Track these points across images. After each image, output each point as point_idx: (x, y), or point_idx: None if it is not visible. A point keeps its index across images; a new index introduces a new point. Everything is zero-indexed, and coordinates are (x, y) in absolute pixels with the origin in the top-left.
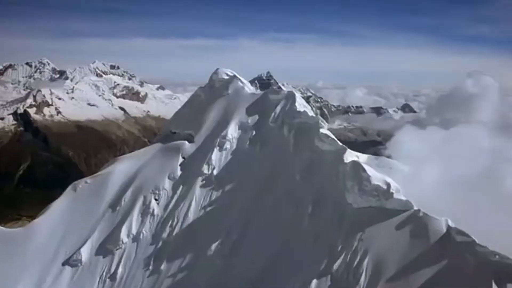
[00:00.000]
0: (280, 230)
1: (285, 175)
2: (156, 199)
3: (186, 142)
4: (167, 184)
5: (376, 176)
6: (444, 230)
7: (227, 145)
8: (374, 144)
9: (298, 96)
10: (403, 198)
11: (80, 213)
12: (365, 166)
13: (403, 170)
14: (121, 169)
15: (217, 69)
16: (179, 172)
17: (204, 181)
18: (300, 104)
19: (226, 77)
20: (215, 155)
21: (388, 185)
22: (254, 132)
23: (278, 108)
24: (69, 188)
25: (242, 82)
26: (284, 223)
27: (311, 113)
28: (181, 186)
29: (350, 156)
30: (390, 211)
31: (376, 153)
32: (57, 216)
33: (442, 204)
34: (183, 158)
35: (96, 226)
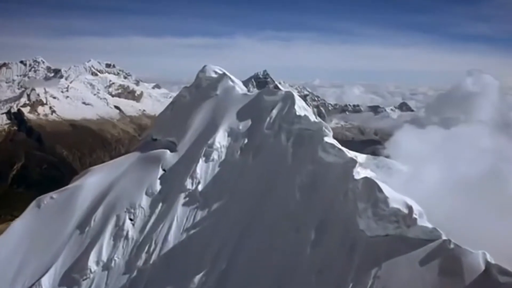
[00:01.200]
0: (276, 259)
1: (282, 193)
2: (131, 219)
3: (168, 151)
4: (144, 201)
5: (395, 197)
6: (482, 266)
7: (215, 155)
8: (372, 143)
9: (297, 97)
10: (428, 225)
11: (43, 235)
12: (381, 184)
13: (403, 170)
14: (92, 182)
15: (205, 66)
16: (158, 187)
17: (187, 198)
18: (300, 107)
19: (214, 75)
20: (201, 167)
21: (410, 208)
22: (246, 140)
23: (275, 112)
24: (32, 205)
25: (232, 81)
26: (281, 251)
27: (313, 118)
28: (160, 204)
29: (362, 170)
30: (412, 241)
31: (374, 153)
32: (16, 239)
33: (444, 206)
34: (164, 170)
35: (61, 251)
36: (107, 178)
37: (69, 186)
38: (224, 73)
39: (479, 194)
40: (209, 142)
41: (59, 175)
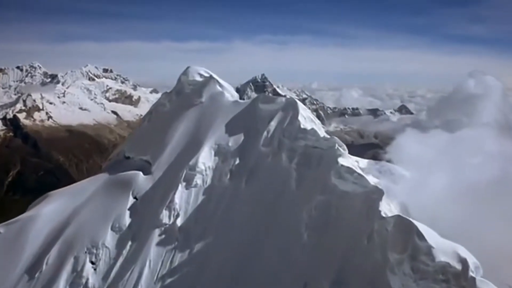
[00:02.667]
0: None
1: (285, 232)
2: (92, 262)
3: (141, 174)
4: (110, 238)
5: (442, 245)
6: None
7: (198, 180)
8: (372, 147)
9: (301, 105)
10: (491, 285)
11: None
12: (420, 226)
13: (406, 176)
14: (47, 212)
15: (188, 67)
16: (127, 221)
17: (163, 236)
18: (306, 118)
19: (199, 78)
20: (180, 195)
21: (465, 262)
22: (237, 160)
23: (273, 124)
24: None
25: (221, 85)
26: None
27: (322, 132)
28: (129, 243)
29: (390, 205)
30: None
31: (375, 157)
32: None
33: (452, 214)
34: (135, 198)
35: None
36: (66, 207)
37: (20, 216)
38: (210, 76)
39: (489, 201)
40: (191, 162)
41: (55, 181)
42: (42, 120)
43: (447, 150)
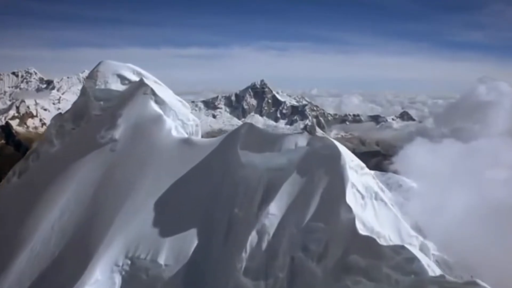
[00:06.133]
0: None
1: None
2: None
3: None
4: None
5: None
6: None
7: None
8: (374, 155)
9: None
10: None
11: None
12: None
13: (415, 189)
14: None
15: (100, 63)
16: None
17: None
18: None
19: (118, 84)
20: None
21: None
22: None
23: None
24: None
25: (159, 100)
26: None
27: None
28: None
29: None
30: None
31: (379, 166)
32: None
33: (472, 238)
34: None
35: None
36: None
37: None
38: (141, 81)
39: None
40: None
41: None
42: (35, 127)
43: (462, 162)
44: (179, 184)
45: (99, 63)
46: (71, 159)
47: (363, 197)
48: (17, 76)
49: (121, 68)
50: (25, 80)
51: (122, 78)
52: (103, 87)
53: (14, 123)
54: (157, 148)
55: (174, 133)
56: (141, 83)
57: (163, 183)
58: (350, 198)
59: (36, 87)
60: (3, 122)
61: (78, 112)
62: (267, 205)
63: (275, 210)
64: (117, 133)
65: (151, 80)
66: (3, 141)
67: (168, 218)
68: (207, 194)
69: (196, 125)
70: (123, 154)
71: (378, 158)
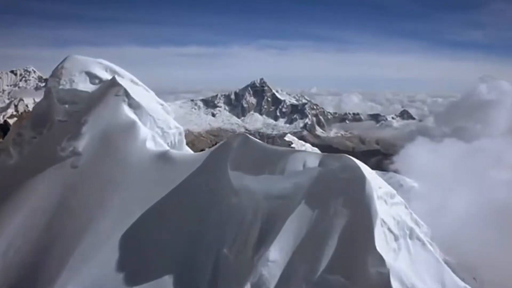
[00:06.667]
0: None
1: None
2: None
3: None
4: None
5: None
6: None
7: None
8: (374, 154)
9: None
10: None
11: None
12: None
13: (417, 189)
14: None
15: (66, 58)
16: None
17: None
18: None
19: (87, 84)
20: None
21: None
22: None
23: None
24: None
25: (134, 104)
26: None
27: None
28: None
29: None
30: None
31: (379, 165)
32: None
33: (476, 240)
34: None
35: None
36: None
37: None
38: (113, 80)
39: None
40: None
41: None
42: None
43: (464, 162)
44: (153, 213)
45: (65, 58)
46: (28, 176)
47: (395, 238)
48: (15, 74)
49: (91, 64)
50: (23, 79)
51: (92, 76)
52: (68, 87)
53: (12, 122)
54: (128, 165)
55: (150, 144)
56: (113, 82)
57: (132, 212)
58: (381, 241)
59: (35, 85)
60: (1, 121)
61: (40, 117)
62: (266, 247)
63: (276, 255)
64: (81, 145)
65: (126, 79)
66: (1, 140)
67: (137, 259)
68: (188, 229)
69: (180, 134)
70: (86, 172)
71: (378, 157)
